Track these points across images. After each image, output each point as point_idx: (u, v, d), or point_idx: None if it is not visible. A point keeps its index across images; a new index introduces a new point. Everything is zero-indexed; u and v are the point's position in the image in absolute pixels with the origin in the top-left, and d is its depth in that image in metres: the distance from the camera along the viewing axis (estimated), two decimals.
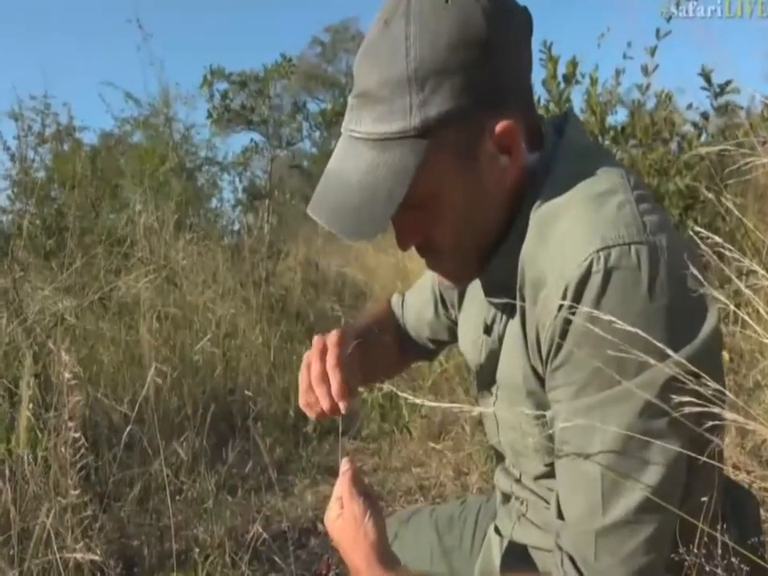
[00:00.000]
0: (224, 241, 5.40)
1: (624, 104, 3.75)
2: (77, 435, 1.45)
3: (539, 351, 0.87)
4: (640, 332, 0.73)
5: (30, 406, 1.99)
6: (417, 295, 1.39)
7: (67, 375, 1.48)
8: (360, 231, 0.87)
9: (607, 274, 0.78)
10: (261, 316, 3.99)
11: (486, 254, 0.96)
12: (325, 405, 1.04)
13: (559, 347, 0.82)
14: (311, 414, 1.11)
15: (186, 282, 3.88)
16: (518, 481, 1.10)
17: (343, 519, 0.98)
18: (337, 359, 1.04)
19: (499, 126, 0.85)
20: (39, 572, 1.37)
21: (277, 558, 1.98)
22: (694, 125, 3.58)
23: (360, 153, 0.87)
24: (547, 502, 1.02)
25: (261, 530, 1.76)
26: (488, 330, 1.04)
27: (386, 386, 1.07)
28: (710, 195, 2.66)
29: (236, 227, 6.05)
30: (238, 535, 2.00)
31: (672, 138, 3.59)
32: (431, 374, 3.05)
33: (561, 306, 0.80)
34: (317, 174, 0.93)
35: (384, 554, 0.96)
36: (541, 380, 0.90)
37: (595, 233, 0.80)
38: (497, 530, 1.20)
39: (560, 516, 0.86)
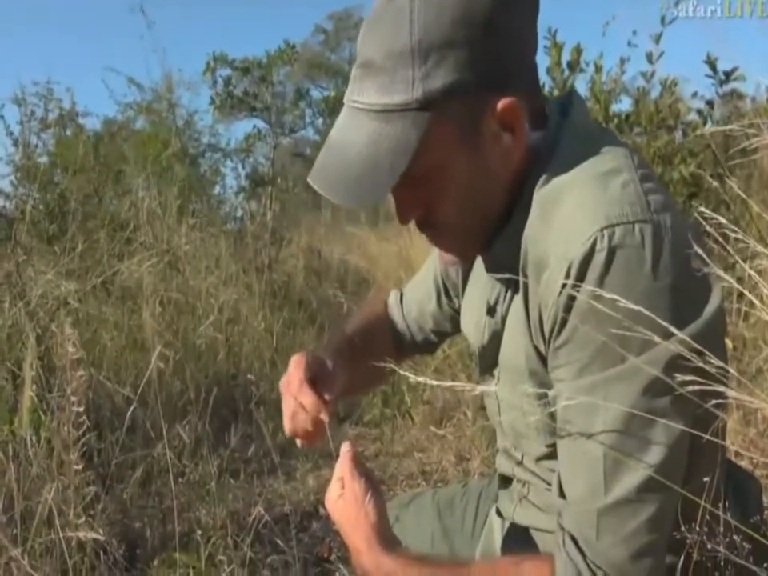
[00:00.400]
0: (227, 226, 5.40)
1: (628, 93, 3.75)
2: (80, 410, 1.46)
3: (542, 331, 0.87)
4: (643, 310, 0.73)
5: (33, 387, 2.00)
6: (418, 289, 1.39)
7: (70, 349, 1.48)
8: (360, 201, 0.87)
9: (611, 253, 0.78)
10: (263, 302, 3.99)
11: (488, 233, 0.96)
12: (309, 427, 1.07)
13: (562, 326, 0.82)
14: (311, 444, 1.14)
15: (188, 268, 3.88)
16: (520, 463, 1.10)
17: (344, 500, 0.98)
18: (299, 382, 1.08)
19: (502, 104, 0.85)
20: (42, 551, 1.38)
21: (279, 541, 1.98)
22: (699, 112, 3.57)
23: (362, 124, 0.86)
24: (549, 484, 1.02)
25: (263, 511, 1.77)
26: (491, 311, 1.04)
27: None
28: (715, 183, 2.65)
29: (239, 214, 6.04)
30: (240, 518, 2.01)
31: (677, 126, 3.58)
32: (434, 360, 3.05)
33: (564, 285, 0.80)
34: None
35: (385, 535, 0.97)
36: (543, 360, 0.90)
37: (599, 212, 0.80)
38: (498, 513, 1.20)
39: (562, 496, 0.87)
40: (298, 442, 1.16)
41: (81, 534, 1.25)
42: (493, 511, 1.22)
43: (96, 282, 3.11)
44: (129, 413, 2.26)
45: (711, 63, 3.46)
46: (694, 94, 3.67)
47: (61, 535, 1.29)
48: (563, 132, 0.92)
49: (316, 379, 1.10)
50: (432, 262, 1.36)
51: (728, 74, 3.46)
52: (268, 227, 5.21)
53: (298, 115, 7.24)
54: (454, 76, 0.82)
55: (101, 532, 1.28)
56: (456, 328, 1.34)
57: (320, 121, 7.44)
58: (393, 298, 1.43)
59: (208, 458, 2.18)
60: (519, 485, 1.12)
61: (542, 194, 0.88)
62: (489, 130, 0.87)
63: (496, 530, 1.19)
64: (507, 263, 0.92)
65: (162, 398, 2.23)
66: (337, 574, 1.87)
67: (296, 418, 1.09)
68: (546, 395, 0.89)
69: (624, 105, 3.71)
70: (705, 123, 3.58)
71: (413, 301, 1.39)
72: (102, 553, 1.43)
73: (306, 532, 2.13)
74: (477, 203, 0.92)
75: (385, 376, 1.60)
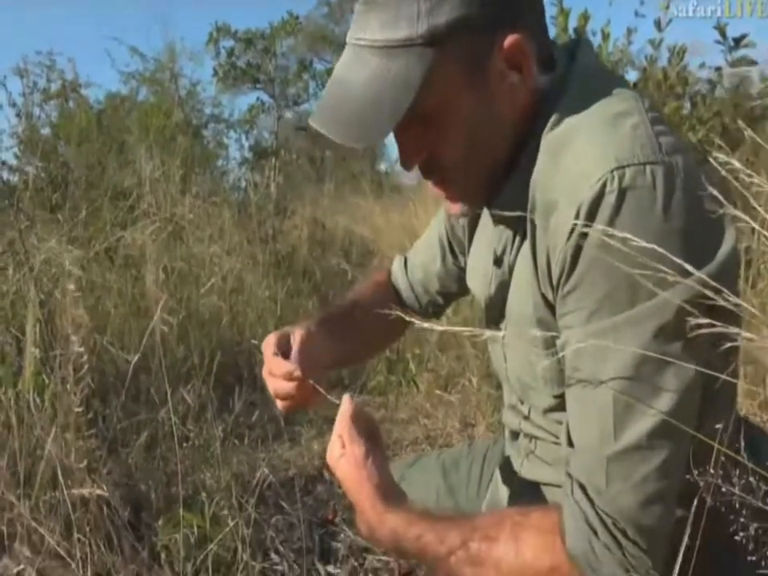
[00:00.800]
0: (230, 196, 5.37)
1: (635, 65, 3.70)
2: (81, 350, 1.45)
3: (550, 277, 0.85)
4: (657, 247, 0.71)
5: (37, 351, 2.00)
6: (422, 251, 1.38)
7: (71, 287, 1.47)
8: (361, 139, 0.85)
9: (621, 194, 0.76)
10: (267, 272, 3.98)
11: (494, 178, 0.94)
12: (293, 392, 1.07)
13: (571, 271, 0.80)
14: (309, 407, 1.15)
15: (191, 237, 3.87)
16: (527, 418, 1.09)
17: (345, 460, 0.97)
18: (271, 360, 1.09)
19: (509, 40, 0.83)
20: (47, 510, 1.38)
21: (283, 503, 1.99)
22: (709, 81, 3.53)
23: (365, 61, 0.84)
24: (556, 437, 1.01)
25: (267, 471, 1.77)
26: (498, 261, 1.02)
27: None
28: (721, 157, 2.61)
29: (242, 185, 6.02)
30: (244, 480, 2.00)
31: (685, 94, 3.54)
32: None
33: (573, 229, 0.78)
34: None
35: (387, 492, 0.96)
36: (551, 308, 0.88)
37: (609, 153, 0.78)
38: (505, 468, 1.19)
39: (570, 445, 0.85)
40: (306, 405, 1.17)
41: (85, 491, 1.24)
42: (499, 468, 1.21)
43: (99, 249, 3.09)
44: (133, 377, 2.26)
45: (721, 29, 3.42)
46: (702, 65, 3.63)
47: (65, 492, 1.28)
48: (571, 75, 0.90)
49: (288, 351, 1.11)
50: (437, 223, 1.34)
51: (738, 41, 3.41)
52: (272, 198, 5.19)
53: (301, 87, 7.21)
54: (460, 11, 0.80)
55: (104, 488, 1.27)
56: (462, 288, 1.33)
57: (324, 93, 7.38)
58: (396, 265, 1.42)
59: (212, 423, 2.18)
60: (526, 440, 1.11)
61: (550, 138, 0.86)
62: (495, 68, 0.85)
63: (502, 486, 1.18)
64: (515, 210, 0.90)
65: (166, 363, 2.22)
66: (342, 535, 1.88)
67: (280, 391, 1.09)
68: (553, 344, 0.88)
69: (630, 77, 3.67)
70: (714, 90, 3.54)
71: (417, 264, 1.38)
72: (105, 508, 1.42)
73: (311, 495, 2.13)
74: (482, 144, 0.90)
75: (389, 339, 1.59)
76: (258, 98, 6.77)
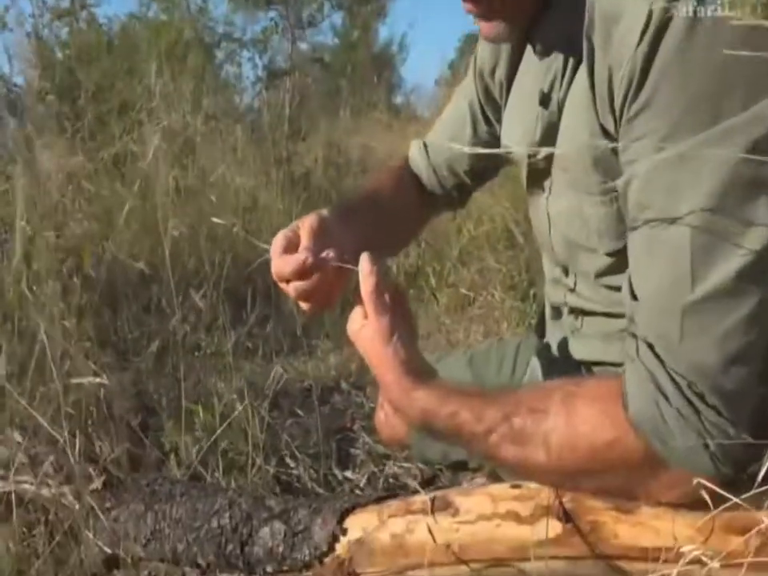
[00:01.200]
0: (245, 117, 5.23)
1: None
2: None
3: (611, 102, 0.71)
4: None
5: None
6: (449, 126, 1.23)
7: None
8: None
9: None
10: (282, 189, 3.84)
11: None
12: (314, 287, 0.93)
13: (640, 86, 0.66)
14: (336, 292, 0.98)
15: (203, 154, 3.73)
16: (572, 290, 0.97)
17: (368, 333, 0.84)
18: (277, 261, 0.93)
19: None
20: (42, 398, 1.28)
21: (299, 411, 1.91)
22: None
23: None
24: (607, 308, 0.89)
25: (281, 371, 1.68)
26: (545, 100, 0.88)
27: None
28: None
29: (255, 105, 5.85)
30: (257, 388, 1.91)
31: None
32: (459, 242, 2.91)
33: (644, 32, 0.64)
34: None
35: (416, 369, 0.84)
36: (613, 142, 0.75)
37: None
38: (544, 351, 1.08)
39: (634, 299, 0.73)
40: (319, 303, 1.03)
41: (84, 380, 1.14)
42: (536, 352, 1.10)
43: (107, 159, 2.97)
44: (144, 288, 2.17)
45: None
46: None
47: (58, 384, 1.18)
48: None
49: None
50: (464, 91, 1.19)
51: None
52: (285, 119, 5.03)
53: (315, 8, 7.05)
54: None
55: (104, 377, 1.17)
56: (495, 165, 1.20)
57: (338, 15, 7.22)
58: (415, 149, 1.27)
59: (224, 330, 2.08)
60: (571, 316, 0.99)
61: None
62: None
63: (540, 369, 1.06)
64: (562, 39, 0.77)
65: (176, 277, 2.11)
66: (360, 441, 1.79)
67: (299, 291, 0.93)
68: (613, 188, 0.75)
69: None
70: None
71: (443, 141, 1.24)
72: (104, 396, 1.32)
73: (328, 405, 2.03)
74: None
75: (413, 228, 1.46)
76: (271, 19, 6.59)
